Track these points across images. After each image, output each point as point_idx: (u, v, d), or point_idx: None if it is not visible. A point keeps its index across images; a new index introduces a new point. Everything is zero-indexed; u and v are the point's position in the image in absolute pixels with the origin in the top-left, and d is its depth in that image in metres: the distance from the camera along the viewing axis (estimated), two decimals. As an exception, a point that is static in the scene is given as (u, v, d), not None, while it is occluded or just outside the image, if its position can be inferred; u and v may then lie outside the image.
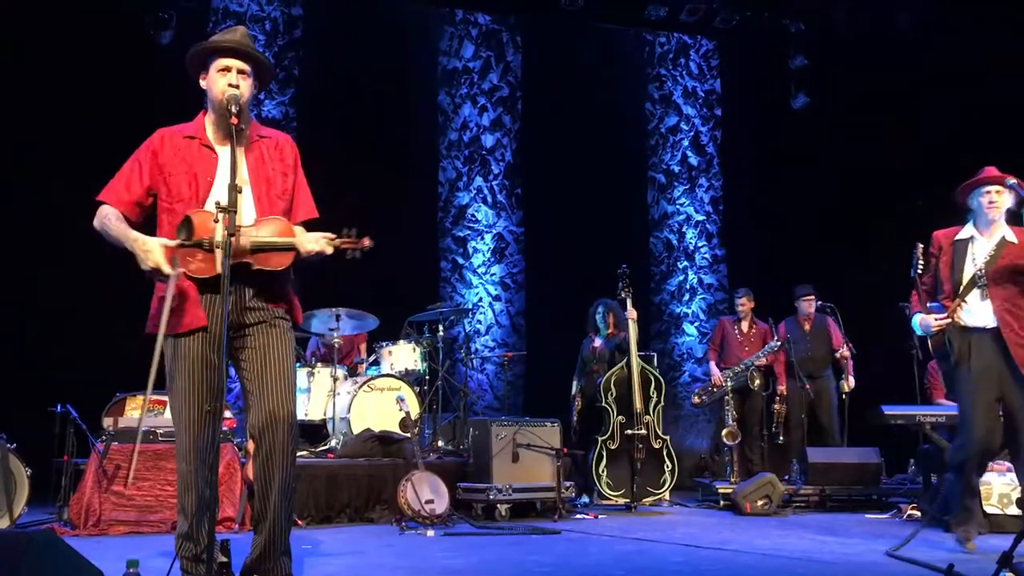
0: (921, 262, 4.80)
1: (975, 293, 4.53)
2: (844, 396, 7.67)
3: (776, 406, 7.77)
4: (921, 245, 4.86)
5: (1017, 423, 4.45)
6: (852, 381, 7.91)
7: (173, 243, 3.03)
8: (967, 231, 4.70)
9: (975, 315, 4.53)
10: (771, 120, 10.16)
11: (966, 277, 4.58)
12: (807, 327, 8.16)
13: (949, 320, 4.57)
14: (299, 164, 3.42)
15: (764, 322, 8.09)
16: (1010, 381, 4.43)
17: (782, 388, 7.97)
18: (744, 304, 8.19)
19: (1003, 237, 4.57)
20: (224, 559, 3.15)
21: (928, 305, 4.70)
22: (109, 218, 3.13)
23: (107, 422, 5.70)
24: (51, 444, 5.55)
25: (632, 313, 7.01)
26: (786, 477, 7.31)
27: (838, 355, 8.01)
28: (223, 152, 3.19)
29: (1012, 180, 4.43)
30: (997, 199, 4.58)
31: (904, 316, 7.31)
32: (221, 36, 3.29)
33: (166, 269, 2.98)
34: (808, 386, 7.89)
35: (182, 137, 3.22)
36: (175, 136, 3.23)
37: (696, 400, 8.05)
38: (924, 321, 4.67)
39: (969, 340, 4.53)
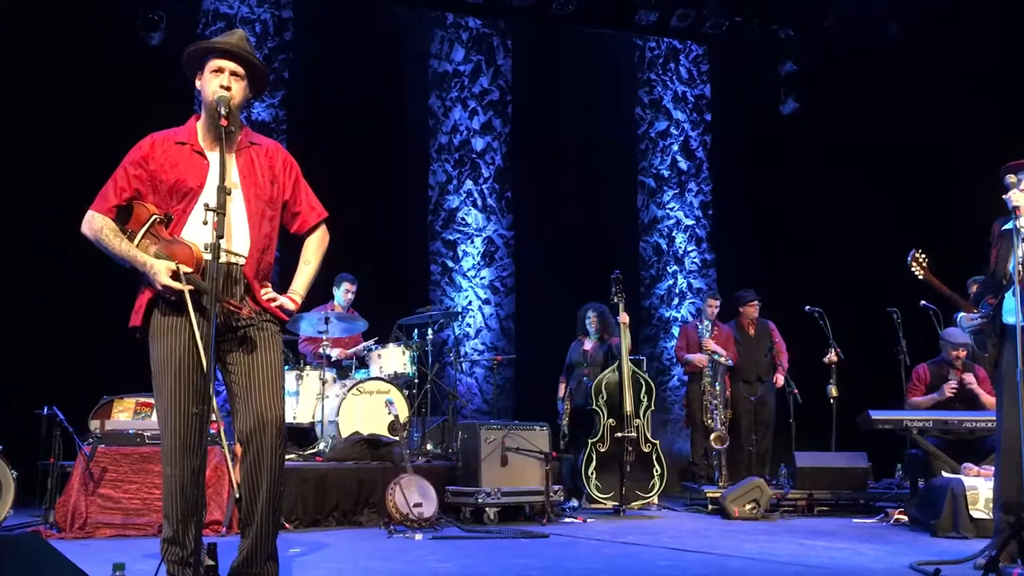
0: (916, 267, 4.63)
1: (1012, 290, 4.17)
2: (832, 400, 7.69)
3: (725, 410, 7.87)
4: (917, 250, 4.70)
5: None
6: (781, 379, 8.04)
7: (188, 270, 3.02)
8: (1010, 222, 4.25)
9: (1010, 312, 4.18)
10: (760, 125, 10.20)
11: (1008, 273, 4.22)
12: (752, 331, 8.23)
13: (982, 320, 4.35)
14: (297, 170, 3.41)
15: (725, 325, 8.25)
16: None
17: (728, 393, 8.02)
18: (713, 306, 8.25)
19: None
20: (211, 562, 3.14)
21: (982, 303, 4.42)
22: (105, 233, 3.11)
23: (94, 424, 5.68)
24: (37, 446, 5.52)
25: (624, 317, 7.03)
26: (774, 481, 7.33)
27: (775, 357, 8.14)
28: (215, 158, 3.17)
29: None
30: (1020, 187, 4.17)
31: (893, 321, 7.40)
32: (219, 38, 3.28)
33: (177, 286, 3.00)
34: (796, 391, 7.94)
35: (174, 143, 3.20)
36: (167, 142, 3.20)
37: (706, 420, 7.85)
38: (961, 320, 4.46)
39: (1004, 339, 4.24)
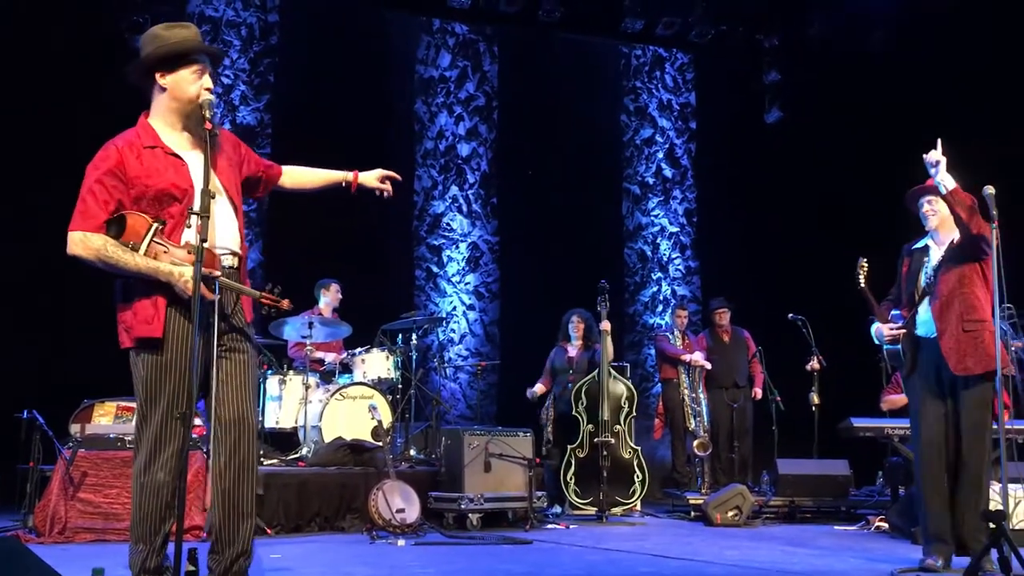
0: (861, 275, 4.80)
1: (925, 302, 4.45)
2: (814, 408, 7.73)
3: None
4: (863, 259, 4.86)
5: (962, 434, 4.34)
6: (759, 392, 8.16)
7: (217, 273, 3.01)
8: (924, 240, 4.61)
9: (925, 324, 4.45)
10: (745, 134, 10.26)
11: (920, 286, 4.49)
12: (726, 338, 8.35)
13: (903, 330, 4.50)
14: (245, 145, 3.41)
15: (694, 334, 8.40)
16: (950, 391, 4.34)
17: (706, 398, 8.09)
18: (681, 316, 8.34)
19: (951, 241, 4.44)
20: (191, 568, 3.12)
21: (891, 315, 4.64)
22: (109, 250, 2.94)
23: (74, 428, 5.63)
24: (17, 450, 5.47)
25: (606, 325, 7.07)
26: (756, 488, 7.36)
27: (751, 365, 8.26)
28: (188, 158, 3.11)
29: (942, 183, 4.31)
30: (930, 208, 4.49)
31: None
32: (182, 33, 3.13)
33: (209, 296, 2.97)
34: (779, 398, 7.98)
35: (142, 148, 3.06)
36: (133, 147, 3.06)
37: (688, 424, 8.00)
38: (879, 330, 4.63)
39: (918, 350, 4.47)
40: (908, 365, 4.51)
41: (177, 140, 3.14)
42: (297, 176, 3.56)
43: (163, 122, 3.14)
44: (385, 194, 3.63)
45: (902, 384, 4.71)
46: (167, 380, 3.02)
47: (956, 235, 4.42)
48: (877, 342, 4.70)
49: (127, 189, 3.02)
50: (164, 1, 8.24)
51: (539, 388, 7.81)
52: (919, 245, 4.62)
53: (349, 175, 3.58)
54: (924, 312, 4.46)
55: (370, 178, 3.60)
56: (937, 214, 4.49)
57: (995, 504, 4.48)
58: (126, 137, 3.10)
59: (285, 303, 3.16)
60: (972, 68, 8.70)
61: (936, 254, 4.51)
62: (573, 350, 7.70)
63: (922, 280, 4.50)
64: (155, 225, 3.02)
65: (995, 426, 4.23)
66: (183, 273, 2.94)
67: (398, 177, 3.65)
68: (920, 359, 4.48)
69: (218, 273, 3.01)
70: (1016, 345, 6.74)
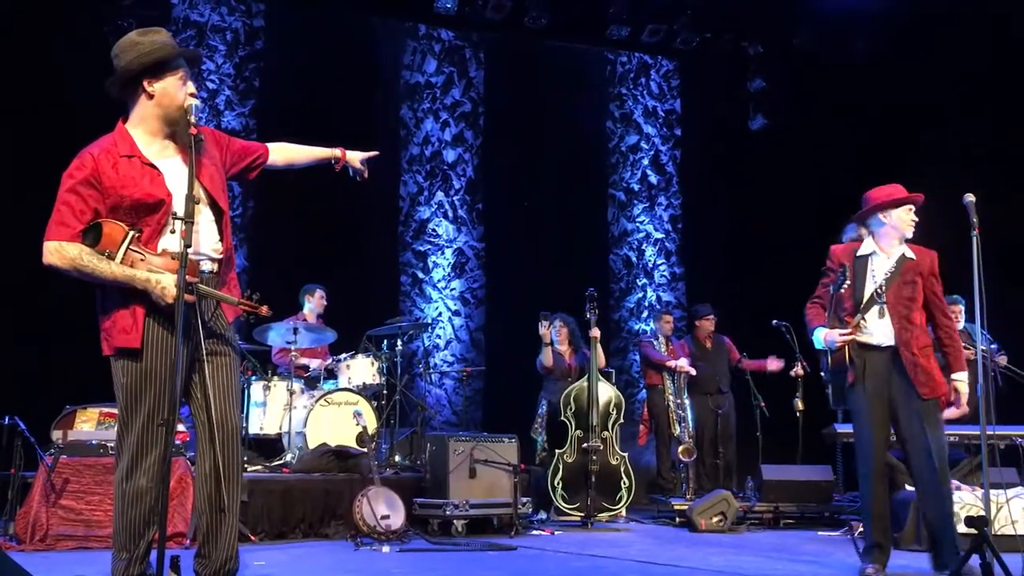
0: (848, 282, 4.65)
1: (874, 311, 4.44)
2: (798, 414, 7.76)
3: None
4: (846, 265, 4.85)
5: (909, 447, 4.38)
6: (777, 362, 8.12)
7: (194, 280, 3.01)
8: (868, 247, 4.58)
9: (873, 333, 4.44)
10: (730, 141, 10.30)
11: (866, 295, 4.47)
12: (708, 344, 8.37)
13: (853, 336, 4.45)
14: (227, 137, 3.46)
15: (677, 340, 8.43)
16: (902, 403, 4.36)
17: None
18: (666, 322, 8.35)
19: (903, 254, 4.49)
20: (174, 575, 3.11)
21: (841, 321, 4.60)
22: (85, 260, 2.92)
23: (56, 435, 5.59)
24: (-3, 457, 5.43)
25: (595, 332, 7.09)
26: (740, 494, 7.38)
27: (738, 366, 8.29)
28: (166, 167, 3.09)
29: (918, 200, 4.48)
30: (914, 219, 4.53)
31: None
32: (161, 39, 3.13)
33: (188, 299, 2.95)
34: (763, 404, 8.00)
35: (118, 156, 3.03)
36: (109, 156, 3.02)
37: (673, 430, 8.02)
38: (829, 335, 4.52)
39: (866, 358, 4.44)
40: (856, 372, 4.45)
41: (158, 147, 3.12)
42: (287, 153, 3.71)
43: (144, 129, 3.12)
44: (359, 177, 3.80)
45: (846, 391, 4.53)
46: (148, 387, 3.01)
47: (905, 248, 4.50)
48: (824, 347, 4.58)
49: (103, 198, 3.00)
50: (150, 6, 8.21)
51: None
52: (863, 252, 4.58)
53: (337, 152, 3.79)
54: (873, 320, 4.44)
55: (354, 159, 3.80)
56: (913, 225, 4.54)
57: (977, 510, 4.52)
58: (102, 145, 3.07)
59: (263, 309, 3.16)
60: (956, 74, 8.77)
61: (883, 263, 4.51)
62: (567, 355, 7.70)
63: (868, 287, 4.48)
64: (131, 233, 3.00)
65: (976, 431, 4.26)
66: (159, 280, 2.93)
67: (376, 153, 3.88)
68: (869, 367, 4.44)
69: (196, 280, 3.00)
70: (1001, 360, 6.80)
